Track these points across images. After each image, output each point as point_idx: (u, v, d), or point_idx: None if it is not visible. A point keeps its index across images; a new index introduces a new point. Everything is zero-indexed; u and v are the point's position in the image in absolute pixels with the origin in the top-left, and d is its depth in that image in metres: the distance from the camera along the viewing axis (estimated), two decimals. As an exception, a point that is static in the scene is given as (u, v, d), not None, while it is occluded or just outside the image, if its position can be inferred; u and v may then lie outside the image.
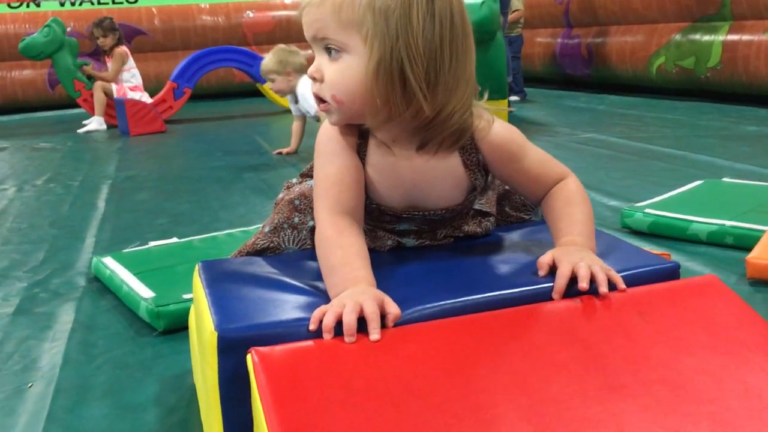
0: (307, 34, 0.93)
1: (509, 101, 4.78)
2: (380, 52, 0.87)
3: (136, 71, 5.59)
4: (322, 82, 0.93)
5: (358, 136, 0.99)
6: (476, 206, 1.10)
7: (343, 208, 0.95)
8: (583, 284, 0.85)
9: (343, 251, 0.90)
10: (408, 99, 0.90)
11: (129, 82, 5.51)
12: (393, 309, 0.81)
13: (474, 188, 1.02)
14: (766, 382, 0.75)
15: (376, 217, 1.04)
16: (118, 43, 5.54)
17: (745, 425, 0.70)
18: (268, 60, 3.58)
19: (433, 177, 0.98)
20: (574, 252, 0.91)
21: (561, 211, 0.99)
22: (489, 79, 3.99)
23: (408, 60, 0.87)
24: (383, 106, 0.91)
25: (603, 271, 0.88)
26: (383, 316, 0.80)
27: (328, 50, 0.91)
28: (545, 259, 0.92)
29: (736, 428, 0.70)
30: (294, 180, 1.23)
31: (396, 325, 0.81)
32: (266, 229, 1.12)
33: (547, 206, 1.02)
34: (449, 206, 1.02)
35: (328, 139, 0.99)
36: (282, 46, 3.69)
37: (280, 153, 3.78)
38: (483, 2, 3.78)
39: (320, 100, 0.94)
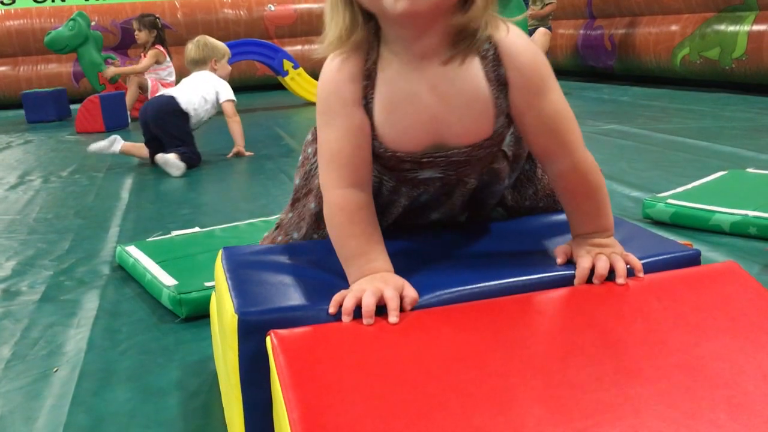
0: None
1: None
2: None
3: (172, 69, 5.64)
4: None
5: (364, 77, 0.89)
6: (504, 147, 0.99)
7: (348, 182, 0.90)
8: (597, 281, 0.86)
9: (356, 240, 0.88)
10: None
11: (164, 79, 5.56)
12: (411, 293, 0.82)
13: (498, 114, 0.90)
14: (784, 367, 0.74)
15: (393, 167, 0.94)
16: (156, 41, 5.58)
17: (762, 410, 0.70)
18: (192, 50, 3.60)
19: (458, 99, 0.88)
20: (593, 245, 0.90)
21: (577, 200, 0.93)
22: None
23: None
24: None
25: (622, 260, 0.87)
26: (401, 300, 0.81)
27: None
28: (563, 249, 0.91)
29: (753, 412, 0.69)
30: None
31: (414, 309, 0.81)
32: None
33: (561, 190, 0.95)
34: (475, 140, 0.91)
35: (327, 94, 0.91)
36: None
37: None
38: None
39: None
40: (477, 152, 0.92)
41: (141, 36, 5.54)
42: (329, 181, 0.92)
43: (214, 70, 3.60)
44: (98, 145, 3.48)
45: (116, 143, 3.49)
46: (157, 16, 5.69)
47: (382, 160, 0.94)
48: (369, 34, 0.88)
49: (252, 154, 3.63)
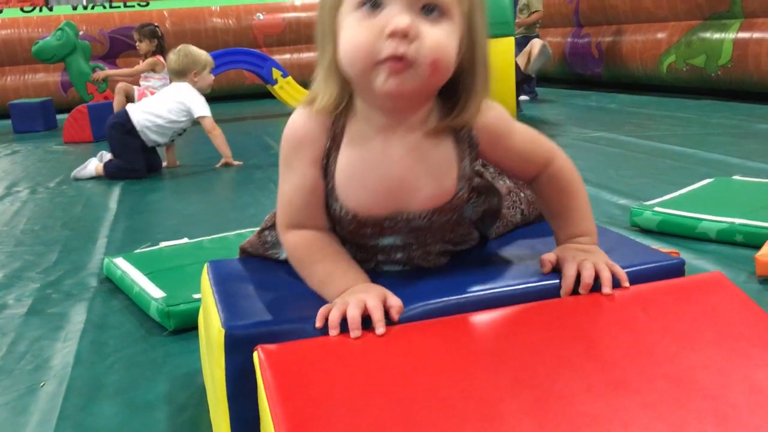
0: None
1: (518, 102, 4.70)
2: (482, 26, 0.86)
3: (167, 81, 5.63)
4: (414, 41, 0.79)
5: (328, 137, 0.90)
6: (468, 213, 1.01)
7: (302, 226, 0.93)
8: (583, 291, 0.86)
9: (322, 264, 0.91)
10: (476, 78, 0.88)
11: (156, 89, 5.55)
12: (395, 301, 0.83)
13: (460, 177, 0.91)
14: (770, 377, 0.75)
15: (353, 232, 0.93)
16: (157, 51, 5.57)
17: (748, 421, 0.70)
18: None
19: (427, 166, 0.89)
20: (578, 250, 0.91)
21: (558, 204, 0.96)
22: (492, 10, 3.83)
23: (483, 37, 0.87)
24: (477, 95, 0.87)
25: (607, 268, 0.88)
26: (386, 310, 0.82)
27: (427, 10, 0.81)
28: (548, 257, 0.91)
29: (739, 424, 0.70)
30: None
31: (401, 321, 0.81)
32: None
33: (542, 197, 0.98)
34: (437, 205, 0.91)
35: (289, 148, 0.92)
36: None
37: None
38: None
39: (400, 59, 0.79)
40: (438, 218, 0.93)
41: (142, 46, 5.53)
42: (283, 223, 0.95)
43: (194, 82, 3.55)
44: (78, 171, 3.47)
45: (90, 164, 3.47)
46: (156, 25, 5.67)
47: (342, 224, 0.93)
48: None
49: (241, 163, 3.62)
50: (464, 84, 0.87)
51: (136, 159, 3.43)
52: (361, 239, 0.94)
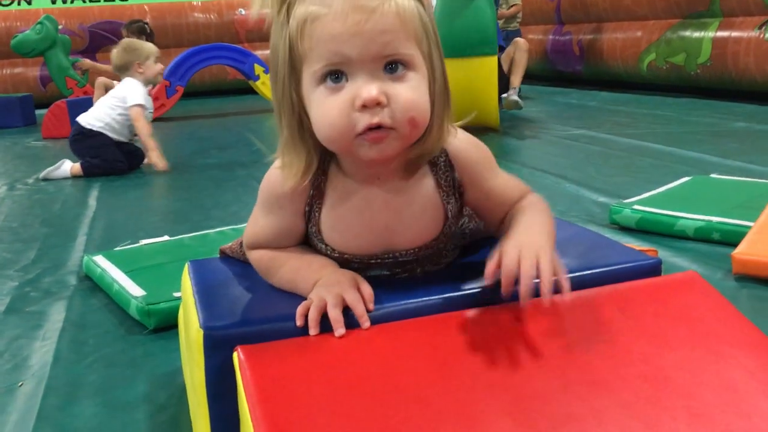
0: (364, 50, 0.77)
1: (513, 100, 4.53)
2: (441, 67, 0.84)
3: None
4: (386, 106, 0.78)
5: (312, 187, 0.89)
6: (456, 240, 1.00)
7: (270, 248, 0.95)
8: (523, 303, 0.80)
9: (288, 265, 0.92)
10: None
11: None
12: (367, 289, 0.84)
13: (447, 218, 0.92)
14: (742, 376, 0.76)
15: (341, 264, 0.92)
16: None
17: (721, 418, 0.71)
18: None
19: (410, 209, 0.89)
20: (521, 239, 0.84)
21: (516, 217, 0.92)
22: (475, 32, 3.65)
23: (445, 74, 0.86)
24: (434, 127, 0.85)
25: (550, 267, 0.81)
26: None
27: (390, 68, 0.79)
28: (491, 265, 0.83)
29: (713, 421, 0.71)
30: None
31: (379, 318, 0.82)
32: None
33: (515, 210, 0.95)
34: (424, 243, 0.92)
35: (269, 195, 0.92)
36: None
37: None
38: None
39: (377, 127, 0.78)
40: (424, 252, 0.93)
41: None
42: (249, 245, 0.97)
43: (141, 74, 3.49)
44: (50, 172, 3.38)
45: (64, 164, 3.39)
46: (146, 21, 5.63)
47: (330, 259, 0.93)
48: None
49: (167, 169, 3.37)
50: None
51: (113, 153, 3.40)
52: (347, 268, 0.93)
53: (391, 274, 0.95)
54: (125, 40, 3.60)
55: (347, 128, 0.79)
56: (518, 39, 4.83)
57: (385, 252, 0.92)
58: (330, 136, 0.81)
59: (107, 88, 5.37)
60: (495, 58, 3.89)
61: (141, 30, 5.50)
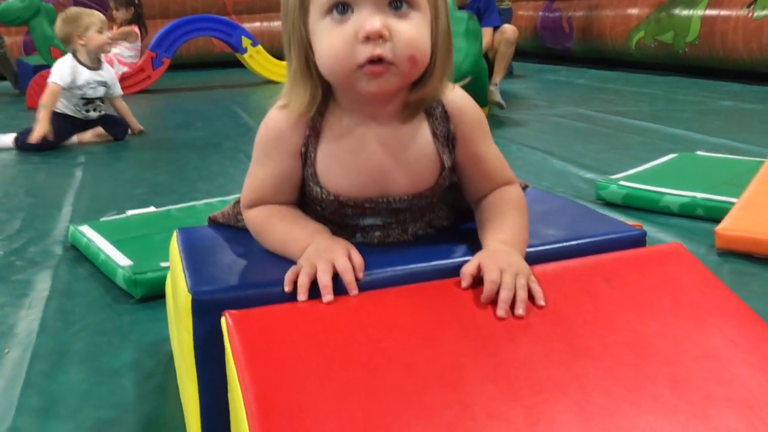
0: None
1: (496, 101, 3.98)
2: (444, 8, 0.87)
3: (138, 53, 5.53)
4: (388, 40, 0.81)
5: (308, 127, 0.91)
6: (449, 197, 1.01)
7: (267, 203, 0.95)
8: (501, 311, 0.79)
9: (281, 225, 0.92)
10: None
11: (125, 59, 5.44)
12: (358, 258, 0.85)
13: (443, 167, 0.93)
14: (724, 344, 0.78)
15: (335, 212, 0.94)
16: (133, 20, 5.44)
17: (702, 385, 0.73)
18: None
19: (406, 155, 0.91)
20: (502, 256, 0.84)
21: (494, 211, 0.93)
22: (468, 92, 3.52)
23: (448, 19, 0.89)
24: (436, 71, 0.88)
25: (526, 286, 0.81)
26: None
27: (395, 5, 0.82)
28: (468, 269, 0.83)
29: (694, 388, 0.72)
30: None
31: (368, 284, 0.82)
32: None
33: (480, 206, 0.96)
34: (418, 191, 0.93)
35: (267, 139, 0.93)
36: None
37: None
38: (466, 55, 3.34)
39: (378, 61, 0.81)
40: (418, 201, 0.94)
41: (118, 15, 5.41)
42: (249, 202, 0.97)
43: (83, 46, 3.32)
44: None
45: (7, 137, 3.32)
46: None
47: (324, 205, 0.94)
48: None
49: (38, 141, 3.19)
50: (428, 63, 0.87)
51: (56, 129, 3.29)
52: (341, 219, 0.95)
53: (384, 225, 0.96)
54: (67, 10, 3.42)
55: (349, 59, 0.81)
56: (506, 27, 4.32)
57: (380, 195, 0.93)
58: (332, 66, 0.83)
59: None
60: (486, 109, 3.63)
61: (130, 1, 5.43)
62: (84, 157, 3.12)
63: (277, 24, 7.38)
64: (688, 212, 1.89)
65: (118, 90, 3.55)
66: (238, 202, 1.07)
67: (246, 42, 5.74)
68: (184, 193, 2.38)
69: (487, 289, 0.81)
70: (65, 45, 3.41)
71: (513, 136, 3.25)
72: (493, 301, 0.81)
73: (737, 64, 4.83)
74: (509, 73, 5.72)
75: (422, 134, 0.92)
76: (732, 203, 1.76)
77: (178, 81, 6.18)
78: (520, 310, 0.80)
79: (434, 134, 0.93)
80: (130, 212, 2.01)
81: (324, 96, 0.90)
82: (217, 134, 3.59)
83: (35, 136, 3.21)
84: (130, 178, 2.72)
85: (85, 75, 3.36)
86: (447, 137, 0.93)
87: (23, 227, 2.08)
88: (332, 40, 0.82)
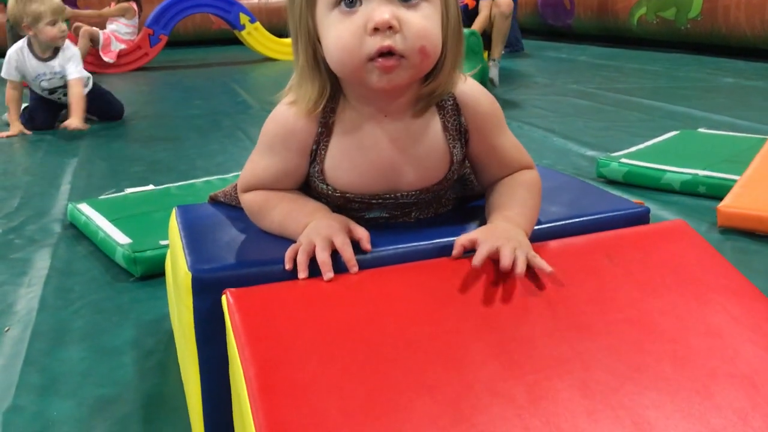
0: None
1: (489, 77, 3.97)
2: (455, 7, 0.85)
3: (135, 30, 5.49)
4: (398, 32, 0.78)
5: (320, 125, 0.88)
6: (456, 189, 1.00)
7: (264, 189, 0.93)
8: (505, 263, 0.78)
9: (280, 207, 0.90)
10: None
11: (122, 35, 5.40)
12: (362, 232, 0.84)
13: (453, 162, 0.91)
14: (726, 321, 0.77)
15: (340, 206, 0.93)
16: None
17: (705, 362, 0.72)
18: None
19: (416, 150, 0.89)
20: (501, 232, 0.83)
21: (504, 190, 0.92)
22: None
23: (459, 13, 0.87)
24: (447, 63, 0.85)
25: (525, 258, 0.80)
26: (356, 245, 0.83)
27: None
28: (461, 239, 0.83)
29: (696, 365, 0.72)
30: None
31: (369, 262, 0.82)
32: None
33: (492, 188, 0.95)
34: (427, 186, 0.92)
35: (275, 134, 0.91)
36: None
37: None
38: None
39: (389, 54, 0.79)
40: (425, 195, 0.93)
41: None
42: (247, 186, 0.95)
43: (34, 36, 3.06)
44: None
45: None
46: None
47: (329, 200, 0.93)
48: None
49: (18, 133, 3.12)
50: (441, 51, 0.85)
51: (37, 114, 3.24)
52: (346, 212, 0.93)
53: (390, 217, 0.94)
54: None
55: (359, 51, 0.79)
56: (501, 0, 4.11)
57: (388, 191, 0.91)
58: (341, 59, 0.81)
59: (92, 38, 5.28)
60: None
61: None
62: (82, 136, 3.10)
63: (274, 0, 7.32)
64: (689, 190, 1.88)
65: (73, 72, 3.14)
66: None
67: (244, 19, 5.69)
68: (183, 171, 2.37)
69: (476, 257, 0.79)
70: (16, 28, 3.16)
71: (513, 113, 3.23)
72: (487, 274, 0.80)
73: (740, 41, 4.79)
74: (519, 49, 5.63)
75: (433, 128, 0.90)
76: (734, 180, 1.75)
77: (176, 58, 6.14)
78: (519, 270, 0.78)
79: (445, 128, 0.90)
80: (129, 190, 2.01)
81: (333, 91, 0.87)
82: (216, 112, 3.57)
83: (7, 134, 3.11)
84: (129, 155, 2.71)
85: (34, 67, 3.12)
86: (458, 130, 0.91)
87: (21, 205, 2.08)
88: (340, 33, 0.79)
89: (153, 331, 1.27)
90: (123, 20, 5.42)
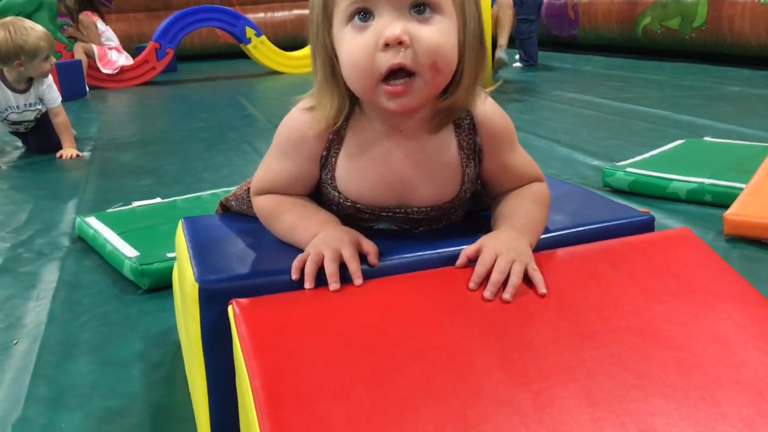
0: None
1: (500, 57, 4.39)
2: (475, 12, 0.83)
3: (110, 33, 5.52)
4: (409, 47, 0.77)
5: (332, 132, 0.88)
6: (466, 205, 0.99)
7: (277, 193, 0.94)
8: (487, 292, 0.79)
9: (291, 213, 0.91)
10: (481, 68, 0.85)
11: (109, 42, 5.44)
12: (370, 247, 0.84)
13: (464, 181, 0.91)
14: (731, 328, 0.77)
15: (350, 215, 0.93)
16: (82, 7, 5.43)
17: (710, 370, 0.72)
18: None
19: (430, 167, 0.88)
20: (505, 240, 0.83)
21: (511, 201, 0.92)
22: None
23: (482, 28, 0.84)
24: (465, 78, 0.83)
25: (521, 274, 0.80)
26: (363, 257, 0.83)
27: (418, 9, 0.78)
28: (467, 250, 0.84)
29: (701, 372, 0.72)
30: None
31: (374, 273, 0.82)
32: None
33: (499, 198, 0.95)
34: (438, 203, 0.91)
35: (287, 139, 0.91)
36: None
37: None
38: None
39: (399, 71, 0.78)
40: (436, 212, 0.93)
41: (69, 2, 5.40)
42: (260, 189, 0.95)
43: (20, 71, 2.90)
44: None
45: None
46: None
47: (340, 207, 0.93)
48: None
49: None
50: (456, 69, 0.84)
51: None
52: (355, 222, 0.93)
53: (398, 230, 0.94)
54: (12, 21, 2.92)
55: (370, 69, 0.78)
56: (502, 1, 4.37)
57: (398, 206, 0.91)
58: (354, 76, 0.80)
59: (87, 52, 5.32)
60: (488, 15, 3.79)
61: None
62: (89, 150, 3.12)
63: (280, 14, 7.37)
64: (695, 198, 1.88)
65: (55, 99, 3.02)
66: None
67: (250, 32, 5.73)
68: (189, 184, 2.39)
69: (476, 271, 0.80)
70: (6, 64, 2.91)
71: (518, 123, 3.23)
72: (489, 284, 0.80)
73: (745, 49, 4.79)
74: (533, 61, 5.56)
75: (449, 147, 0.89)
76: (740, 189, 1.75)
77: (182, 72, 6.18)
78: (507, 295, 0.79)
79: (460, 146, 0.89)
80: (136, 203, 2.02)
81: (350, 100, 0.87)
82: (222, 125, 3.59)
83: None
84: (136, 169, 2.72)
85: (6, 99, 2.94)
86: (473, 149, 0.90)
87: (30, 219, 2.09)
88: (353, 49, 0.79)
89: (160, 343, 1.28)
90: (102, 27, 5.45)
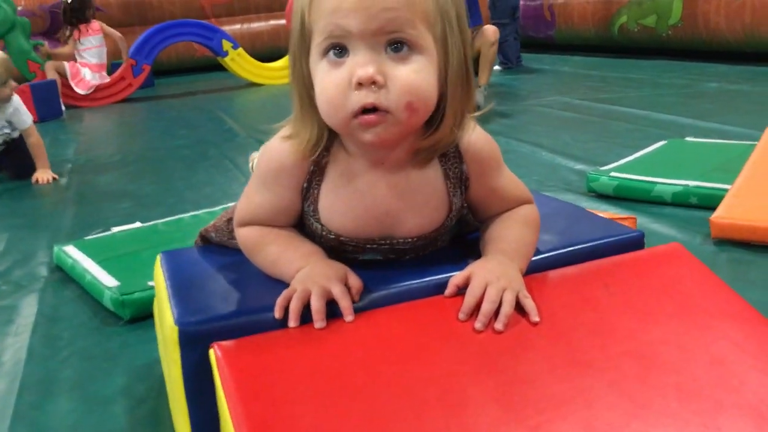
0: (364, 25, 0.74)
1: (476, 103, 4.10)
2: (459, 54, 0.80)
3: (95, 51, 5.45)
4: (383, 87, 0.75)
5: (313, 163, 0.86)
6: (452, 232, 0.97)
7: (261, 225, 0.91)
8: (478, 324, 0.77)
9: (275, 245, 0.88)
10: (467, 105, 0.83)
11: (87, 60, 5.38)
12: (355, 282, 0.81)
13: (451, 210, 0.89)
14: (729, 348, 0.75)
15: (334, 247, 0.90)
16: (82, 18, 5.39)
17: (711, 394, 0.70)
18: None
19: (415, 198, 0.86)
20: (494, 267, 0.82)
21: (500, 224, 0.90)
22: None
23: (467, 61, 0.81)
24: (448, 117, 0.81)
25: (513, 303, 0.79)
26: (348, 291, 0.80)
27: (394, 47, 0.76)
28: (455, 279, 0.82)
29: (702, 397, 0.70)
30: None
31: (362, 306, 0.79)
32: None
33: (487, 222, 0.93)
34: (424, 233, 0.89)
35: (268, 170, 0.88)
36: None
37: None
38: None
39: (372, 110, 0.76)
40: (422, 242, 0.91)
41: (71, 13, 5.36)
42: (242, 221, 0.92)
43: None
44: None
45: None
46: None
47: (323, 241, 0.90)
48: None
49: None
50: (441, 103, 0.81)
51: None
52: (340, 254, 0.90)
53: (383, 261, 0.92)
54: None
55: (344, 105, 0.76)
56: (487, 28, 4.08)
57: (383, 238, 0.89)
58: (328, 112, 0.79)
59: (58, 70, 5.25)
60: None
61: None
62: (66, 172, 3.07)
63: (257, 25, 7.33)
64: (681, 201, 1.87)
65: (26, 120, 2.91)
66: (231, 219, 1.03)
67: (227, 45, 5.69)
68: (171, 205, 2.34)
69: (466, 302, 0.79)
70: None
71: (499, 128, 3.22)
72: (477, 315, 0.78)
73: (721, 45, 4.82)
74: (518, 64, 5.54)
75: (434, 177, 0.87)
76: (725, 190, 1.74)
77: (160, 88, 6.12)
78: (499, 325, 0.77)
79: (446, 176, 0.87)
80: (116, 229, 1.98)
81: (330, 134, 0.84)
82: (202, 141, 3.54)
83: None
84: (114, 191, 2.68)
85: None
86: (459, 178, 0.88)
87: (7, 249, 2.04)
88: (327, 85, 0.77)
89: (144, 377, 1.24)
90: (79, 47, 5.39)
